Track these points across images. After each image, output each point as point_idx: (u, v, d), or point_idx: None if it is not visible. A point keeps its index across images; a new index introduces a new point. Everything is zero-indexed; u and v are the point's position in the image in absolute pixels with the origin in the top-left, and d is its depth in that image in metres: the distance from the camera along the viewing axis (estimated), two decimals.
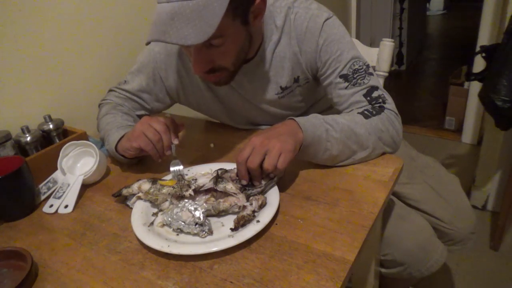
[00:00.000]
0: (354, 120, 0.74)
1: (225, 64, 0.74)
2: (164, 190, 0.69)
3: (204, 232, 0.62)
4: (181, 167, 0.80)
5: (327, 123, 0.72)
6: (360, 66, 0.79)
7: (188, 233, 0.63)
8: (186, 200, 0.67)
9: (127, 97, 0.96)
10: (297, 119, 0.71)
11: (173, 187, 0.69)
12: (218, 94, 0.93)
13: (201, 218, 0.63)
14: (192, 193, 0.67)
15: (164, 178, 0.77)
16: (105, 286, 0.56)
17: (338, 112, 0.83)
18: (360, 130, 0.73)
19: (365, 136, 0.73)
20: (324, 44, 0.80)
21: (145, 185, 0.71)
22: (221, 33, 0.66)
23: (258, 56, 0.83)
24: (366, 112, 0.76)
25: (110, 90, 1.00)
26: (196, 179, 0.70)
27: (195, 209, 0.65)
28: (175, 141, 0.78)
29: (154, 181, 0.72)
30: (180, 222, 0.64)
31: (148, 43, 0.67)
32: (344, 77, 0.80)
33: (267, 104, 0.91)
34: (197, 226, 0.63)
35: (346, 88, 0.80)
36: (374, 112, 0.76)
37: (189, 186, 0.68)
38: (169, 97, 0.97)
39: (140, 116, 0.95)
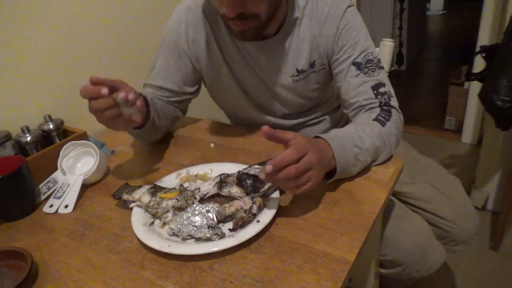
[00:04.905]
0: (377, 133, 0.74)
1: (258, 10, 0.74)
2: (164, 204, 0.67)
3: (216, 236, 0.60)
4: None
5: (356, 146, 0.70)
6: (373, 57, 0.82)
7: (200, 238, 0.61)
8: (195, 205, 0.65)
9: (156, 86, 0.95)
10: (333, 146, 0.67)
11: (176, 199, 0.67)
12: (234, 71, 0.93)
13: (215, 219, 0.63)
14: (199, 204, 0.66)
15: (164, 187, 0.73)
16: (105, 286, 0.57)
17: (342, 105, 0.85)
18: (380, 144, 0.74)
19: (381, 148, 0.75)
20: (344, 29, 0.82)
21: (145, 198, 0.69)
22: None
23: (279, 34, 0.85)
24: (380, 118, 0.77)
25: (144, 85, 0.98)
26: (199, 188, 0.70)
27: (208, 211, 0.64)
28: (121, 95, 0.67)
29: (154, 193, 0.70)
30: (191, 227, 0.62)
31: None
32: (357, 65, 0.82)
33: (282, 87, 0.92)
34: (209, 229, 0.61)
35: (356, 76, 0.82)
36: (387, 118, 0.77)
37: (193, 196, 0.68)
38: (193, 67, 0.95)
39: (174, 102, 0.96)
